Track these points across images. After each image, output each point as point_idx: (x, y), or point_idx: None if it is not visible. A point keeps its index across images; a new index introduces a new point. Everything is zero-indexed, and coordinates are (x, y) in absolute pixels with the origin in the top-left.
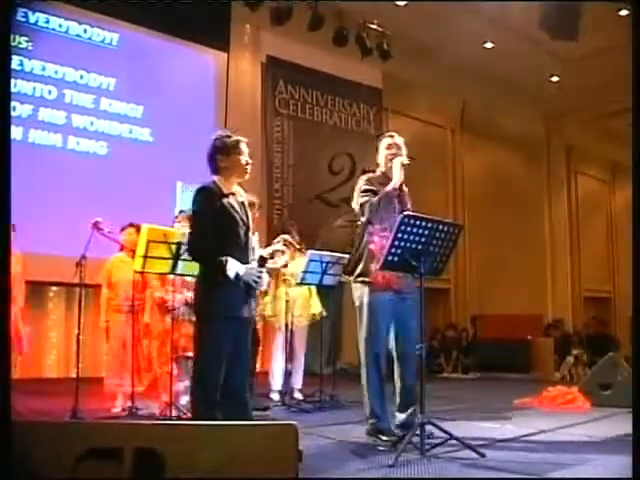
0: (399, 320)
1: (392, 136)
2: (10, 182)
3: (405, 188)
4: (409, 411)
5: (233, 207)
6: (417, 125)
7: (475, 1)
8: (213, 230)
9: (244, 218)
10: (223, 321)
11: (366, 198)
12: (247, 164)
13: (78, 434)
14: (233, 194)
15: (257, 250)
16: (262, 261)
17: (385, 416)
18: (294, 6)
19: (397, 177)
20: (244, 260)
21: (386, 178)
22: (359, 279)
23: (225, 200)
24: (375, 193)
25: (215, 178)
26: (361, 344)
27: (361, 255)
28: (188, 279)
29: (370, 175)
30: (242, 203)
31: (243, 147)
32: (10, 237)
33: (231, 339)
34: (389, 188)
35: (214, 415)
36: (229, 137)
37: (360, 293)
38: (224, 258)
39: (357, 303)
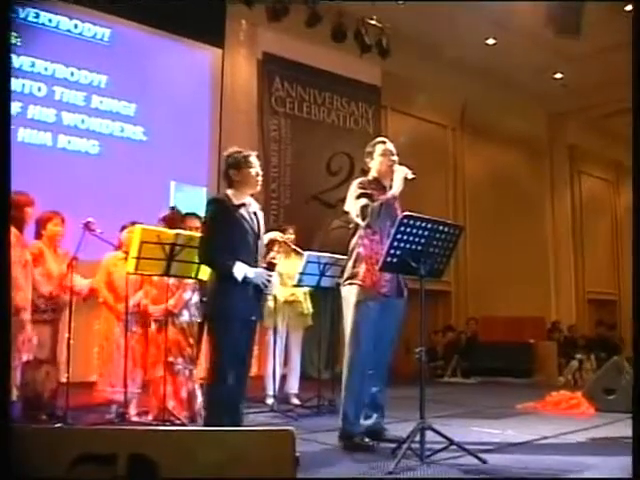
0: (380, 324)
1: (385, 142)
2: (10, 182)
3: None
4: (374, 418)
5: (243, 217)
6: (417, 124)
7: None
8: (222, 237)
9: (254, 227)
10: (233, 323)
11: (365, 201)
12: (258, 175)
13: (71, 440)
14: (244, 205)
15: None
16: (271, 265)
17: (358, 422)
18: (291, 2)
19: (397, 187)
20: (253, 265)
21: (378, 183)
22: (347, 282)
23: (235, 210)
24: (371, 197)
25: (228, 192)
26: (347, 347)
27: (350, 258)
28: (189, 281)
29: (362, 179)
30: (254, 213)
31: (253, 160)
32: (10, 237)
33: (244, 341)
34: (389, 196)
35: (234, 419)
36: (239, 152)
37: (347, 296)
38: (231, 261)
39: (345, 306)
